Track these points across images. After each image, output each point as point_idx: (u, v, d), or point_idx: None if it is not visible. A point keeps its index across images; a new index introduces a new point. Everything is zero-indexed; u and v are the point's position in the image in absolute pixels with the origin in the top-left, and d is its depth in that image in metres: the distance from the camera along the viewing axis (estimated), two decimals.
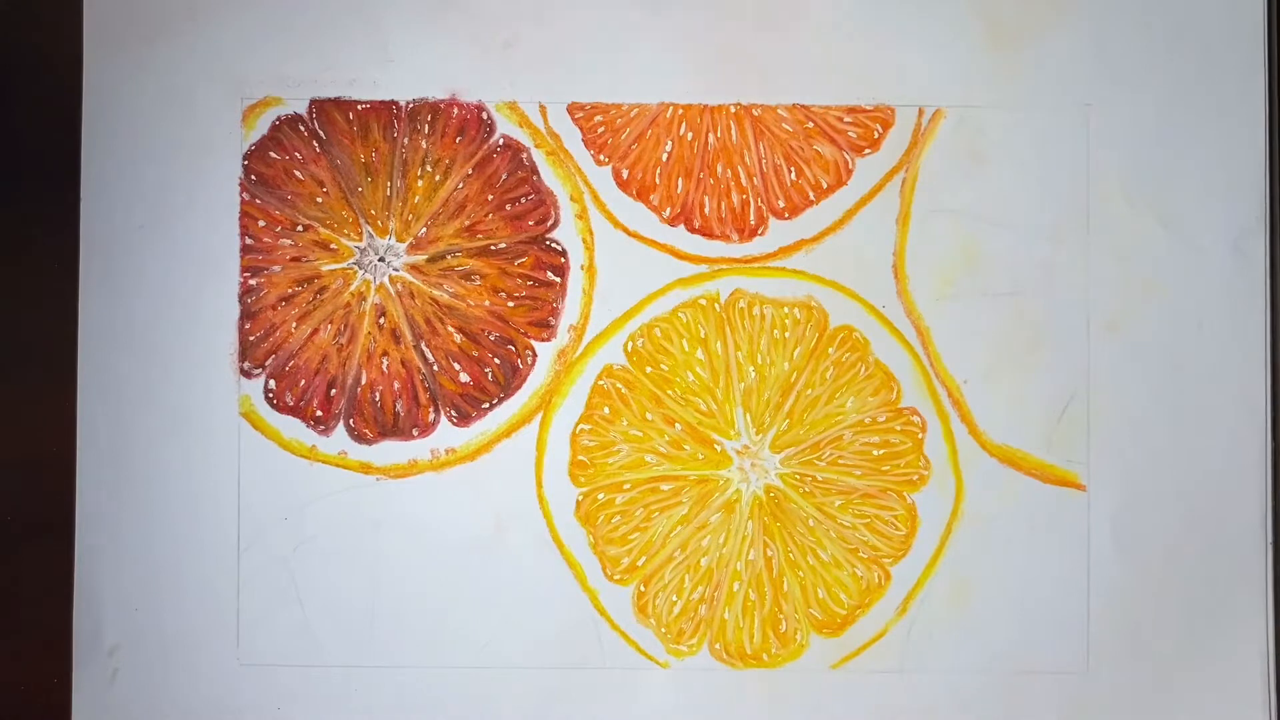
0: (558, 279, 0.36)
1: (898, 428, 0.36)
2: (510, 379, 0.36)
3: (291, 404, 0.36)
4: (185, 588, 0.36)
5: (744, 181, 0.36)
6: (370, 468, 0.36)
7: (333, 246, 0.36)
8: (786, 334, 0.36)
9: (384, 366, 0.36)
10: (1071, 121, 0.36)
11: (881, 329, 0.36)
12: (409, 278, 0.36)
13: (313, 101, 0.36)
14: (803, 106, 0.36)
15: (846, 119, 0.36)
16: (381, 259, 0.36)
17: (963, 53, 0.36)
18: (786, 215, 0.36)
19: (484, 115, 0.36)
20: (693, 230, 0.36)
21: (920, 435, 0.36)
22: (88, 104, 0.36)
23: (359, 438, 0.36)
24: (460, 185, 0.36)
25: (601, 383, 0.36)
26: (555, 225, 0.36)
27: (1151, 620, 0.36)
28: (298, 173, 0.36)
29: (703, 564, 0.36)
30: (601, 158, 0.36)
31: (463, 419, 0.36)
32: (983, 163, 0.36)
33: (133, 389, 0.36)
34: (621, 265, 0.36)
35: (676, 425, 0.36)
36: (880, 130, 0.36)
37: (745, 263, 0.36)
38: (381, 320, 0.36)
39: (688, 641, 0.36)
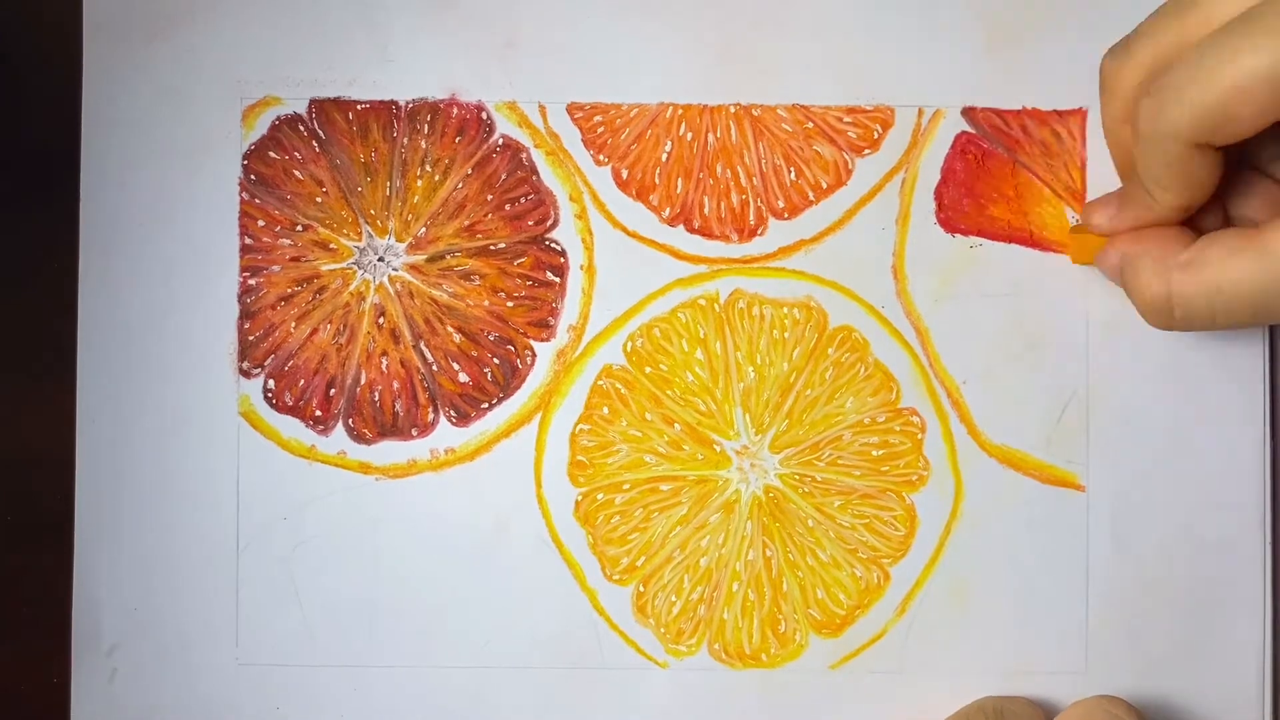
0: (557, 279, 0.36)
1: (897, 428, 0.36)
2: (509, 379, 0.36)
3: (290, 404, 0.36)
4: (184, 588, 0.36)
5: (743, 182, 0.36)
6: (369, 468, 0.36)
7: (332, 246, 0.36)
8: (786, 334, 0.36)
9: (383, 366, 0.36)
10: (1071, 123, 0.36)
11: (881, 329, 0.36)
12: (408, 277, 0.36)
13: (312, 101, 0.36)
14: (802, 107, 0.36)
15: (846, 119, 0.36)
16: (381, 259, 0.36)
17: (963, 53, 0.36)
18: (786, 215, 0.36)
19: (483, 115, 0.36)
20: (692, 230, 0.36)
21: (919, 436, 0.36)
22: (87, 104, 0.36)
23: (358, 437, 0.36)
24: (460, 185, 0.36)
25: (601, 383, 0.36)
26: (554, 225, 0.36)
27: (1150, 620, 0.36)
28: (297, 172, 0.36)
29: (702, 564, 0.36)
30: (601, 158, 0.36)
31: (462, 419, 0.36)
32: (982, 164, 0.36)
33: (132, 388, 0.36)
34: (621, 265, 0.36)
35: (676, 425, 0.36)
36: (880, 130, 0.36)
37: (745, 263, 0.36)
38: (381, 320, 0.36)
39: (687, 642, 0.36)
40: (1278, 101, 0.26)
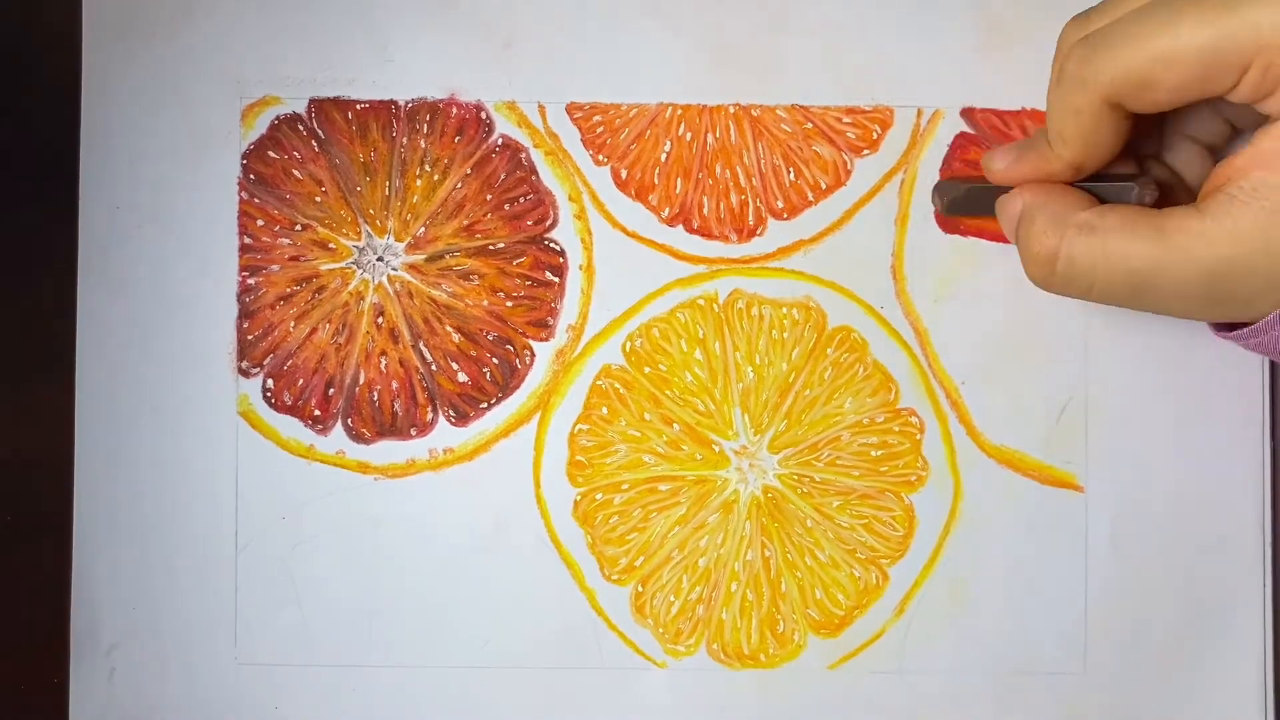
0: (556, 279, 0.36)
1: (896, 428, 0.36)
2: (508, 379, 0.36)
3: (289, 403, 0.36)
4: (183, 587, 0.36)
5: (743, 182, 0.36)
6: (368, 467, 0.36)
7: (331, 246, 0.36)
8: (785, 334, 0.36)
9: (382, 366, 0.36)
10: None
11: (880, 329, 0.36)
12: (407, 277, 0.36)
13: (312, 101, 0.36)
14: (802, 107, 0.36)
15: (845, 119, 0.36)
16: (380, 258, 0.36)
17: (961, 53, 0.36)
18: (785, 216, 0.36)
19: (483, 115, 0.36)
20: (691, 231, 0.36)
21: (918, 436, 0.36)
22: (87, 103, 0.36)
23: (357, 437, 0.36)
24: (459, 185, 0.36)
25: (600, 383, 0.36)
26: (554, 225, 0.36)
27: (1149, 621, 0.36)
28: (296, 172, 0.36)
29: (700, 564, 0.36)
30: (600, 158, 0.36)
31: (461, 419, 0.36)
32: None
33: (131, 388, 0.36)
34: (620, 265, 0.36)
35: (675, 425, 0.36)
36: (879, 131, 0.36)
37: (744, 263, 0.36)
38: (380, 320, 0.36)
39: (685, 642, 0.36)
40: (1199, 79, 0.27)
